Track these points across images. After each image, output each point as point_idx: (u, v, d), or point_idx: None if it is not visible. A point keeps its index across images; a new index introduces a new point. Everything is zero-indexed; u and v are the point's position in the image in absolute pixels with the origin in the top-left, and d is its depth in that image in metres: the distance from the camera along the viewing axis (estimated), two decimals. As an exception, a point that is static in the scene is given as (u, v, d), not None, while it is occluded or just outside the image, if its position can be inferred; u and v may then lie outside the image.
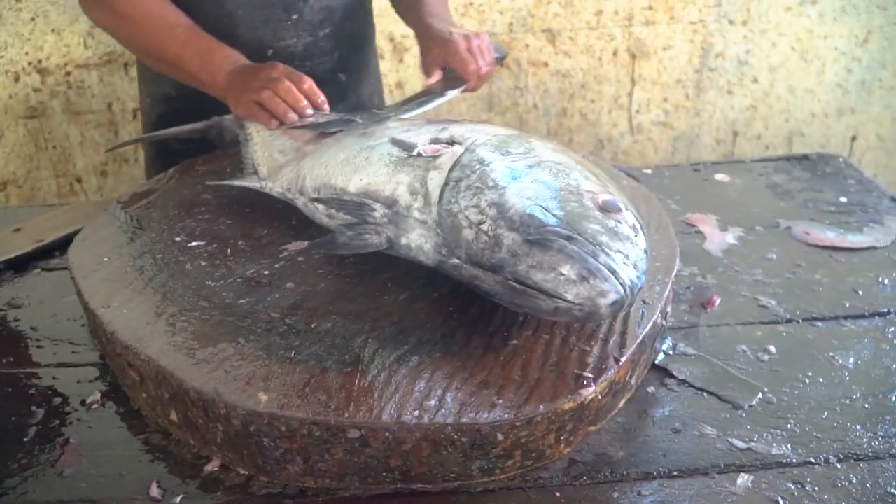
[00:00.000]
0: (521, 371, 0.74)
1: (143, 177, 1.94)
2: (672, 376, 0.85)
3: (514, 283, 0.71)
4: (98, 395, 0.84)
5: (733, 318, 0.94)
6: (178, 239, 0.98)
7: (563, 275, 0.68)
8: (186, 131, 1.25)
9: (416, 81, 2.06)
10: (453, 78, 1.16)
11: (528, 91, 2.11)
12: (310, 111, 1.03)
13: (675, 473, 0.74)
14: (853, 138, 2.24)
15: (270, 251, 0.95)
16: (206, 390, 0.72)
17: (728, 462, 0.74)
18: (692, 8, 2.03)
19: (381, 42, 1.97)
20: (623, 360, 0.76)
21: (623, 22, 2.04)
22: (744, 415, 0.80)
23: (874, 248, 1.06)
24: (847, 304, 0.95)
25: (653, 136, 2.19)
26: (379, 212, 0.81)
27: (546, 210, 0.72)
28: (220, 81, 1.10)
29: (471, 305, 0.83)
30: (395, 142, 0.87)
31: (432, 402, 0.70)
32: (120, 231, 1.01)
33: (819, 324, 0.93)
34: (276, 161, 1.04)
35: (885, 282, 0.99)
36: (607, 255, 0.69)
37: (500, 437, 0.69)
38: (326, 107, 1.05)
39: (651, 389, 0.84)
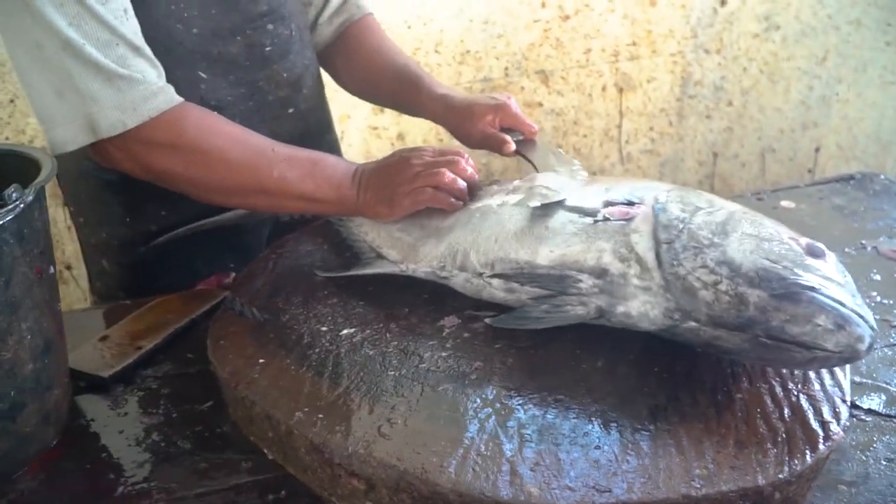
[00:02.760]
0: (765, 425, 0.74)
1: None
2: (858, 407, 0.88)
3: (765, 340, 0.72)
4: (302, 512, 0.78)
5: (878, 341, 0.98)
6: (323, 329, 0.93)
7: (819, 325, 0.70)
8: (234, 217, 1.18)
9: (416, 133, 2.06)
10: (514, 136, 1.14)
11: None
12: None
13: (912, 503, 0.76)
14: (817, 149, 2.42)
15: (428, 331, 0.91)
16: (469, 492, 0.68)
17: (954, 483, 0.78)
18: (671, 41, 2.14)
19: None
20: (848, 399, 0.78)
21: (610, 58, 2.12)
22: (937, 434, 0.84)
23: (958, 257, 1.15)
24: (967, 314, 1.02)
25: (641, 163, 2.27)
26: (586, 283, 0.80)
27: (774, 262, 0.74)
28: (349, 193, 0.99)
29: (673, 363, 0.83)
30: (570, 208, 0.86)
31: (702, 471, 0.69)
32: (253, 328, 0.95)
33: (953, 336, 0.99)
34: (403, 241, 1.00)
35: None
36: (846, 299, 0.72)
37: (777, 495, 0.69)
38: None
39: (847, 423, 0.86)
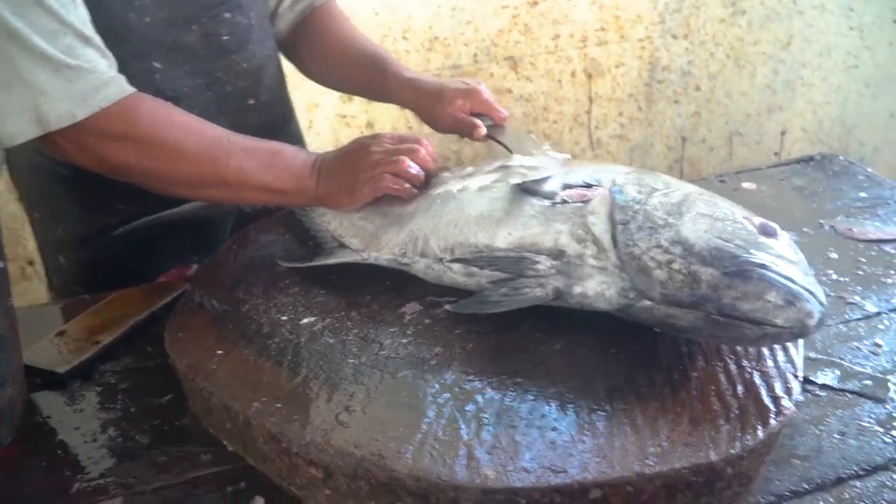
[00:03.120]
0: (719, 402, 0.75)
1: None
2: (812, 382, 0.89)
3: (717, 317, 0.72)
4: (262, 501, 0.77)
5: (833, 318, 1.00)
6: (284, 318, 0.92)
7: (769, 302, 0.71)
8: (198, 207, 1.17)
9: (385, 121, 2.05)
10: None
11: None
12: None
13: (862, 473, 0.77)
14: (783, 133, 2.44)
15: (389, 318, 0.91)
16: (426, 477, 0.68)
17: (903, 454, 0.79)
18: (639, 26, 2.15)
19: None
20: (801, 374, 0.79)
21: (578, 44, 2.12)
22: (889, 407, 0.85)
23: (914, 236, 1.16)
24: (920, 291, 1.04)
25: (611, 149, 2.28)
26: (544, 264, 0.80)
27: (726, 241, 0.75)
28: (309, 183, 0.98)
29: (631, 344, 0.83)
30: (529, 191, 0.86)
31: (656, 449, 0.70)
32: (212, 318, 0.94)
33: (906, 312, 1.00)
34: (365, 229, 1.00)
35: (940, 265, 1.09)
36: (797, 276, 0.73)
37: (729, 470, 0.70)
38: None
39: (800, 398, 0.87)
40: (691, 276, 0.73)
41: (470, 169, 1.01)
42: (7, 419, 0.85)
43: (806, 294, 0.72)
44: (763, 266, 0.73)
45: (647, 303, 0.76)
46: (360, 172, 0.97)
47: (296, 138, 1.36)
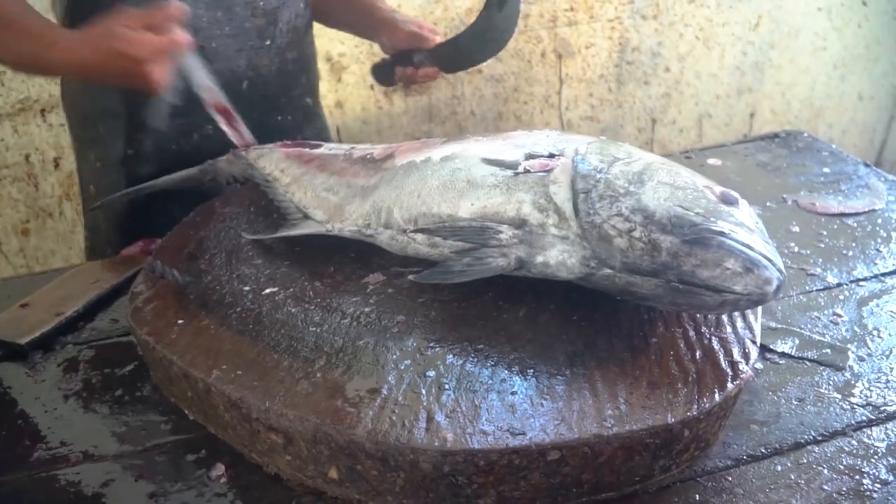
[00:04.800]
0: (677, 367, 0.76)
1: (75, 232, 1.80)
2: (771, 350, 0.91)
3: (677, 284, 0.73)
4: (222, 468, 0.77)
5: (793, 289, 1.01)
6: (246, 289, 0.92)
7: (728, 269, 0.71)
8: (178, 179, 1.17)
9: (355, 100, 2.03)
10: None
11: (465, 99, 2.14)
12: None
13: (819, 438, 0.79)
14: (752, 115, 2.47)
15: (352, 288, 0.91)
16: (385, 440, 0.68)
17: (858, 420, 0.81)
18: (609, 6, 2.15)
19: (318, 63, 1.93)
20: (759, 341, 0.80)
21: (548, 24, 2.12)
22: (847, 375, 0.87)
23: (874, 210, 1.18)
24: (878, 263, 1.06)
25: (582, 130, 2.29)
26: (506, 233, 0.80)
27: (686, 209, 0.75)
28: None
29: (593, 311, 0.84)
30: (491, 161, 0.86)
31: (614, 412, 0.71)
32: (174, 290, 0.93)
33: (864, 283, 1.02)
34: (330, 201, 0.99)
35: (898, 238, 1.11)
36: (756, 244, 0.74)
37: (686, 433, 0.71)
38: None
39: (759, 366, 0.89)
40: (651, 244, 0.73)
41: (438, 139, 1.01)
42: (-37, 390, 0.84)
43: (764, 261, 0.72)
44: (722, 234, 0.73)
45: (609, 271, 0.76)
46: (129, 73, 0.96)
47: (307, 90, 1.37)
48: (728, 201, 0.79)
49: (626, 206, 0.76)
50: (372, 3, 1.36)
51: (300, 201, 1.03)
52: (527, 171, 0.83)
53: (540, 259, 0.80)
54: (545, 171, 0.82)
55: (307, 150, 1.10)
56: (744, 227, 0.76)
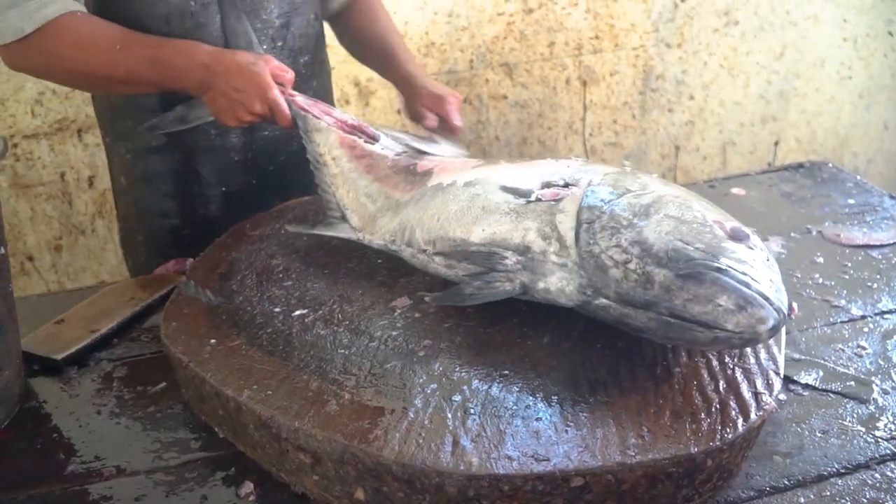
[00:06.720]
0: (700, 397, 0.77)
1: (106, 250, 1.84)
2: (795, 382, 0.91)
3: (669, 319, 0.74)
4: (251, 486, 0.79)
5: (817, 320, 1.02)
6: (276, 310, 0.94)
7: (720, 305, 0.72)
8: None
9: (381, 121, 2.06)
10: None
11: (489, 124, 2.17)
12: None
13: (843, 471, 0.79)
14: (776, 143, 2.46)
15: (380, 311, 0.93)
16: (411, 463, 0.70)
17: (882, 453, 0.81)
18: (633, 35, 2.17)
19: (346, 86, 1.97)
20: (782, 372, 0.81)
21: (573, 52, 2.14)
22: (872, 408, 0.87)
23: (900, 242, 1.18)
24: (904, 295, 1.06)
25: (605, 156, 2.30)
26: (511, 259, 0.82)
27: (686, 244, 0.76)
28: (194, 76, 1.08)
29: (616, 340, 0.85)
30: (507, 189, 0.88)
31: (637, 440, 0.71)
32: (207, 310, 0.95)
33: (889, 316, 1.02)
34: (367, 209, 1.03)
35: (924, 271, 1.11)
36: (756, 282, 0.74)
37: (709, 463, 0.72)
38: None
39: (782, 397, 0.89)
40: (645, 277, 0.74)
41: (475, 161, 1.04)
42: (4, 402, 0.86)
43: (759, 300, 0.72)
44: (719, 270, 0.73)
45: (604, 301, 0.78)
46: (242, 101, 1.07)
47: (319, 95, 1.39)
48: (737, 237, 0.79)
49: (626, 237, 0.77)
50: (392, 51, 1.38)
51: (341, 199, 1.05)
52: (538, 200, 0.85)
53: (541, 285, 0.81)
54: (555, 201, 0.84)
55: (362, 140, 1.10)
56: (746, 263, 0.76)
